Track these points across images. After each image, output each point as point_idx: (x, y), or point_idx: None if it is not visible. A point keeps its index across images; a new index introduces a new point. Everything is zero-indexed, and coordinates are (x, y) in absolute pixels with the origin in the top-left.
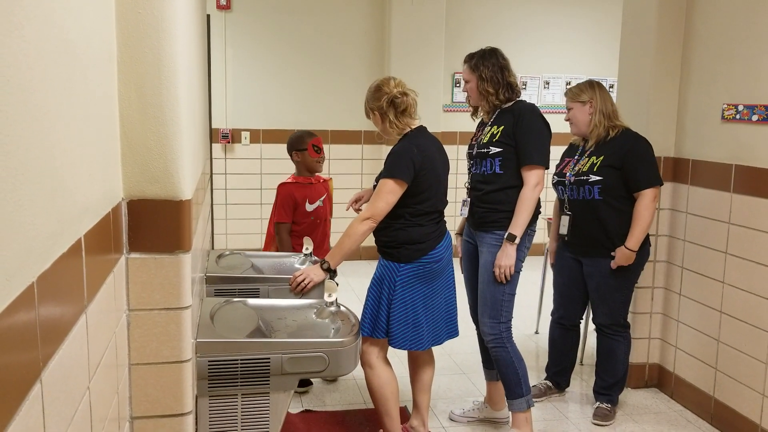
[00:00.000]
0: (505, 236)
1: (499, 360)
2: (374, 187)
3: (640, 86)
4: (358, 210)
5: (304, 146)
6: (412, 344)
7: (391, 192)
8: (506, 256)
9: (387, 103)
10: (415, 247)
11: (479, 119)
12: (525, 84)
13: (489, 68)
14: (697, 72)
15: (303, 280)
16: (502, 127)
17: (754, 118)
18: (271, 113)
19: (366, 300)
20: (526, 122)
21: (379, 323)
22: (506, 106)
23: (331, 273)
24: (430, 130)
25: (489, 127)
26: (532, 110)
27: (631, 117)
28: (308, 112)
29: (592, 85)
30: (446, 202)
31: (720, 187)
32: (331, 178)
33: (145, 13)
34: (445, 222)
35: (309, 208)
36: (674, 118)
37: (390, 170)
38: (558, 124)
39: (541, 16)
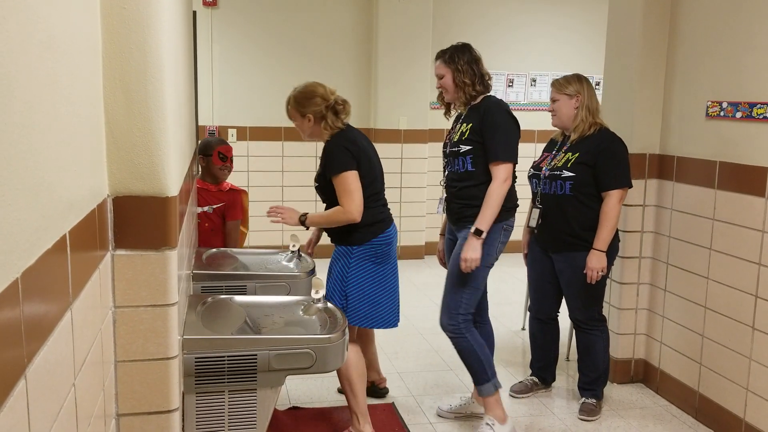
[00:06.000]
0: (472, 230)
1: (461, 350)
2: (316, 187)
3: (626, 83)
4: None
5: (209, 152)
6: (372, 322)
7: (352, 181)
8: (472, 250)
9: (326, 108)
10: (366, 230)
11: (453, 117)
12: (512, 81)
13: (464, 60)
14: (681, 69)
15: (277, 214)
16: (471, 124)
17: (738, 115)
18: (258, 110)
19: (330, 291)
20: (492, 118)
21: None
22: (475, 102)
23: (304, 225)
24: (417, 127)
25: (459, 125)
26: (498, 106)
27: (617, 114)
28: None
29: (580, 79)
30: (384, 184)
31: (704, 183)
32: (245, 191)
33: (131, 9)
34: (389, 210)
35: (197, 210)
36: (659, 115)
37: (338, 166)
38: (544, 122)
39: (528, 13)
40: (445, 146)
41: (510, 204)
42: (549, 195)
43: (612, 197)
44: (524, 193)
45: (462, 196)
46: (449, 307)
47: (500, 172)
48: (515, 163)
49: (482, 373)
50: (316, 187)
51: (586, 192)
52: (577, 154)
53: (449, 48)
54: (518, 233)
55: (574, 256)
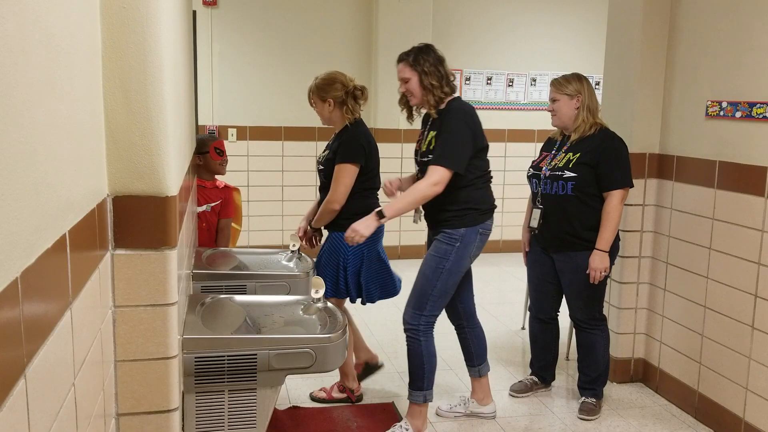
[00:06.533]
0: (376, 209)
1: (410, 350)
2: (320, 171)
3: (626, 83)
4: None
5: (206, 149)
6: (382, 294)
7: (350, 175)
8: (364, 226)
9: (345, 93)
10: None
11: (420, 117)
12: (512, 81)
13: (429, 62)
14: (681, 69)
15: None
16: (436, 132)
17: (738, 114)
18: (258, 110)
19: (323, 268)
20: (446, 122)
21: (340, 286)
22: (442, 107)
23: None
24: (417, 127)
25: (427, 132)
26: (458, 111)
27: (617, 113)
28: (295, 108)
29: (580, 79)
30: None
31: (704, 183)
32: (238, 189)
33: (130, 8)
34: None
35: (198, 209)
36: (659, 114)
37: (348, 155)
38: (544, 122)
39: (528, 13)
40: (416, 153)
41: (485, 206)
42: (550, 195)
43: (614, 197)
44: (518, 192)
45: (436, 201)
46: (414, 307)
47: (434, 173)
48: (454, 170)
49: (419, 381)
50: (320, 170)
51: (588, 192)
52: (578, 154)
53: (412, 50)
54: (517, 233)
55: (575, 256)
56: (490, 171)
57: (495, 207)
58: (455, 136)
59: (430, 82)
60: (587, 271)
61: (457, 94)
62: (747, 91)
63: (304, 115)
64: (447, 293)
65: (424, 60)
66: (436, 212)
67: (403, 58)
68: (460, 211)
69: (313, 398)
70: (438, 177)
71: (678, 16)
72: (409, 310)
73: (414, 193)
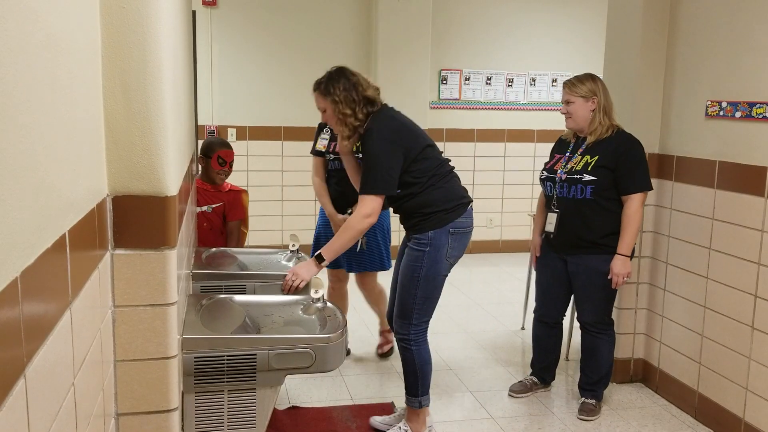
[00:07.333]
0: (315, 254)
1: (403, 358)
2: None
3: (626, 83)
4: None
5: (210, 154)
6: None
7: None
8: (306, 271)
9: None
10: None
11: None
12: (512, 81)
13: (340, 88)
14: (681, 69)
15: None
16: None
17: (738, 114)
18: (257, 110)
19: (372, 242)
20: (364, 146)
21: (385, 257)
22: (366, 125)
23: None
24: None
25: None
26: (370, 130)
27: (617, 114)
28: (295, 108)
29: (594, 79)
30: None
31: (704, 183)
32: (246, 191)
33: (130, 8)
34: None
35: (197, 209)
36: (659, 114)
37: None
38: (544, 122)
39: (528, 13)
40: None
41: (451, 204)
42: (567, 199)
43: (634, 201)
44: (518, 192)
45: (399, 211)
46: (400, 318)
47: (364, 205)
48: (382, 194)
49: (413, 388)
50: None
51: (607, 196)
52: (596, 157)
53: (324, 77)
54: (517, 232)
55: (590, 259)
56: (445, 165)
57: (466, 201)
58: (375, 160)
59: (342, 111)
60: (609, 277)
61: (380, 105)
62: (747, 91)
63: (304, 115)
64: (431, 298)
65: (334, 88)
66: (404, 219)
67: (315, 87)
68: (425, 215)
69: (382, 353)
70: (369, 209)
71: (678, 16)
72: (398, 321)
73: (348, 229)
